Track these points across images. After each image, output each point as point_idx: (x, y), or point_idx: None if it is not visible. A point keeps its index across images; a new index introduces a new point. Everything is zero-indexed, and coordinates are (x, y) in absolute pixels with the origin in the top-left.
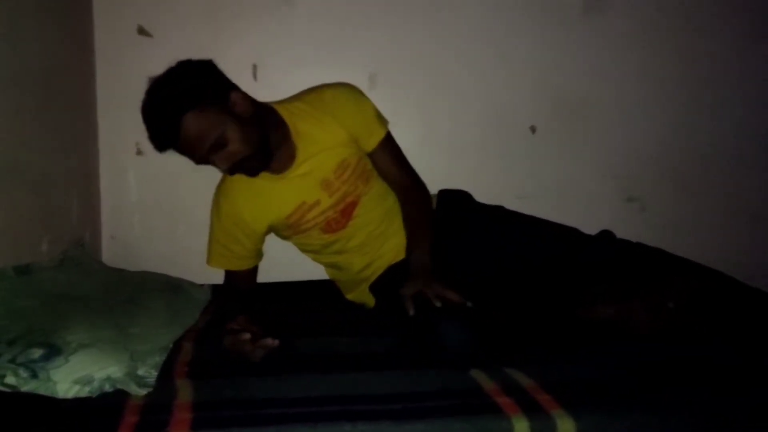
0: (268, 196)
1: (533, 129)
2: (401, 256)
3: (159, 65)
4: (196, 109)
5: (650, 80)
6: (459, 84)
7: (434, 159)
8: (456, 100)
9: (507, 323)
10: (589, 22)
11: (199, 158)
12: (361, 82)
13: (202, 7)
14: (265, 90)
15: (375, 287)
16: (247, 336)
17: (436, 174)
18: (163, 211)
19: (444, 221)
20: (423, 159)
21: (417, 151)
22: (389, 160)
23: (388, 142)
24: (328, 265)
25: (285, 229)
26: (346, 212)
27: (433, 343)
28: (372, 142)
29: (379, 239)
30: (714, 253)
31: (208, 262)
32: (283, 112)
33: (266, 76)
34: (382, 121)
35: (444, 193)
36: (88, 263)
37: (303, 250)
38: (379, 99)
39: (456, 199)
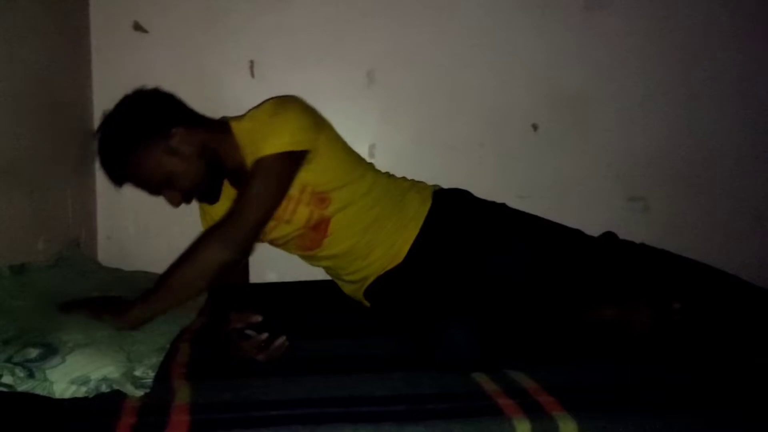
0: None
1: (535, 127)
2: (395, 262)
3: (155, 61)
4: (138, 150)
5: (653, 78)
6: (459, 81)
7: (433, 157)
8: (456, 98)
9: (511, 327)
10: (591, 19)
11: (153, 193)
12: (358, 79)
13: (198, 3)
14: (262, 86)
15: (369, 294)
16: (262, 338)
17: (435, 172)
18: (159, 212)
19: (441, 224)
20: (422, 157)
21: (415, 149)
22: (247, 186)
23: (265, 170)
24: (324, 268)
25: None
26: (319, 229)
27: (437, 347)
28: (257, 153)
29: (365, 248)
30: (717, 252)
31: None
32: (236, 130)
33: (263, 72)
34: (281, 141)
35: (439, 195)
36: (83, 263)
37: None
38: (377, 96)
39: (453, 200)
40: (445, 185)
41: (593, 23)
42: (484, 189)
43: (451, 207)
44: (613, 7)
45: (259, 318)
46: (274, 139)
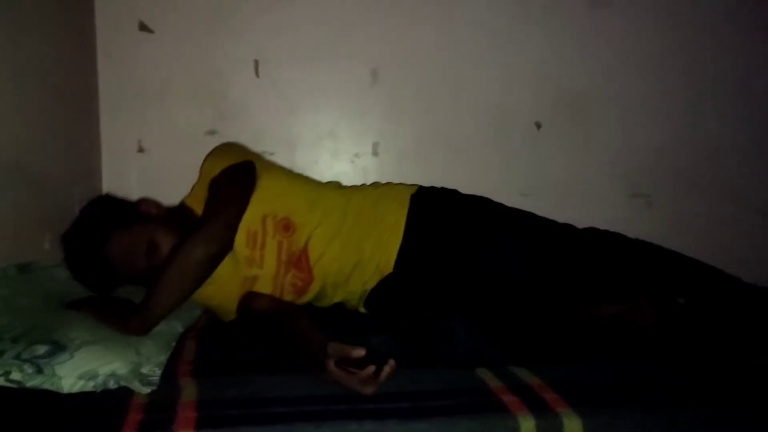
0: (218, 284)
1: (538, 125)
2: (386, 272)
3: (160, 61)
4: (117, 229)
5: (655, 76)
6: (462, 80)
7: (436, 155)
8: (459, 96)
9: (512, 322)
10: (594, 18)
11: (139, 271)
12: (362, 78)
13: (203, 3)
14: (267, 85)
15: (367, 304)
16: (370, 371)
17: (438, 171)
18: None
19: (425, 226)
20: (425, 155)
21: (419, 148)
22: (210, 195)
23: (221, 178)
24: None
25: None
26: (301, 264)
27: (439, 344)
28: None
29: (354, 266)
30: (720, 250)
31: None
32: (190, 200)
33: (268, 71)
34: (225, 162)
35: (417, 197)
36: None
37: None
38: (381, 94)
39: (433, 200)
40: (448, 184)
41: (596, 22)
42: (487, 187)
43: (431, 207)
44: (616, 7)
45: (362, 353)
46: (218, 163)
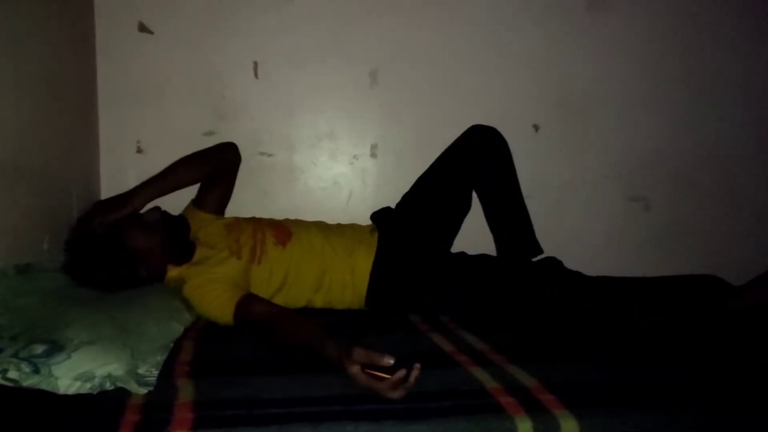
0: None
1: (536, 127)
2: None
3: (160, 62)
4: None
5: (654, 79)
6: (461, 81)
7: (435, 157)
8: (457, 98)
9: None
10: (592, 20)
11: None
12: (361, 79)
13: (202, 4)
14: (266, 87)
15: (369, 301)
16: (400, 376)
17: None
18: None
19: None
20: (423, 157)
21: (417, 149)
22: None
23: None
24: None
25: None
26: (279, 226)
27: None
28: None
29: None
30: (717, 253)
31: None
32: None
33: (267, 72)
34: None
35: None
36: None
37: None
38: (380, 96)
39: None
40: None
41: (595, 24)
42: None
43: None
44: (615, 9)
45: (391, 361)
46: None
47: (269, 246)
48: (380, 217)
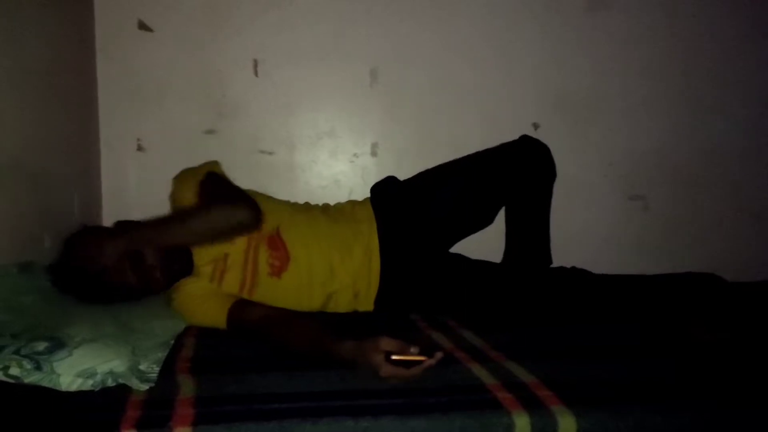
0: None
1: (536, 126)
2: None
3: (159, 60)
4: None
5: (653, 78)
6: (461, 80)
7: (435, 155)
8: (458, 97)
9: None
10: (592, 19)
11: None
12: (361, 78)
13: (202, 2)
14: (266, 85)
15: (378, 304)
16: (433, 362)
17: None
18: (164, 207)
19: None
20: (424, 155)
21: (417, 148)
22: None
23: (207, 180)
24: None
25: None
26: (276, 244)
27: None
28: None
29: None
30: (717, 251)
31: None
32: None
33: (267, 71)
34: (202, 170)
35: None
36: None
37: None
38: (380, 94)
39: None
40: None
41: (595, 24)
42: None
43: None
44: (614, 8)
45: (416, 351)
46: (185, 186)
47: (262, 278)
48: (383, 199)
